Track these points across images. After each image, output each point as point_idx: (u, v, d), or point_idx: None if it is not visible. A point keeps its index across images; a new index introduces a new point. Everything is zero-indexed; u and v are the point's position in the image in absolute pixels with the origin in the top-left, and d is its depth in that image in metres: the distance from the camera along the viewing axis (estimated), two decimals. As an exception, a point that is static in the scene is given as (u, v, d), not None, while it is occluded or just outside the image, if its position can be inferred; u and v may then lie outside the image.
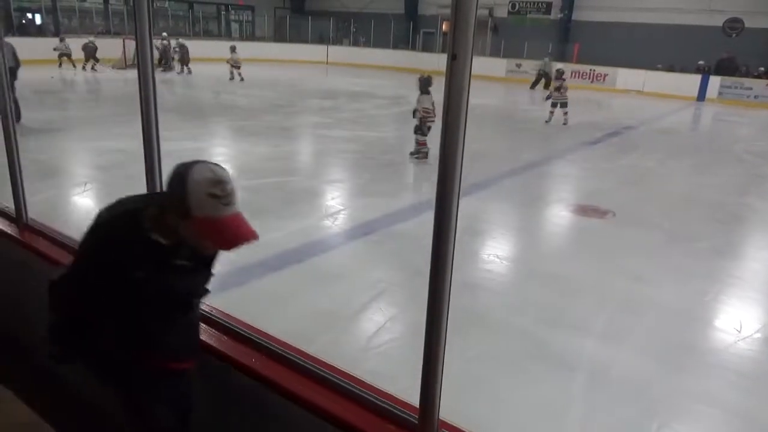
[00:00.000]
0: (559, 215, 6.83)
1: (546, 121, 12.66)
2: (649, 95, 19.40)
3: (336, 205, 6.43)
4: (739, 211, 7.40)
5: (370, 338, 3.90)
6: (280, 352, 1.73)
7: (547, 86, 18.43)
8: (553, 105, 12.69)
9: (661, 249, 5.76)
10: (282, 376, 1.67)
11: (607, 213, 6.69)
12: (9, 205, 2.86)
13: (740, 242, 6.44)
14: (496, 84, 20.61)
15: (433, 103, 8.31)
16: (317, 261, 5.09)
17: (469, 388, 3.25)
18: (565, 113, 12.59)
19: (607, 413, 3.23)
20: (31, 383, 2.64)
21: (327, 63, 25.66)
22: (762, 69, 19.21)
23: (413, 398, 1.45)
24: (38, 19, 23.36)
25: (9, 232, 2.78)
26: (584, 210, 6.82)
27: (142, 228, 1.50)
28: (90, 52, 18.44)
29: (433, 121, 8.26)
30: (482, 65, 20.70)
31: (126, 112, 10.82)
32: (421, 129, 8.40)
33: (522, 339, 3.92)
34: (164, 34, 20.84)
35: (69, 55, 18.12)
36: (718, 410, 3.39)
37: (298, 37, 27.35)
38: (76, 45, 18.17)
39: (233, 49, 18.35)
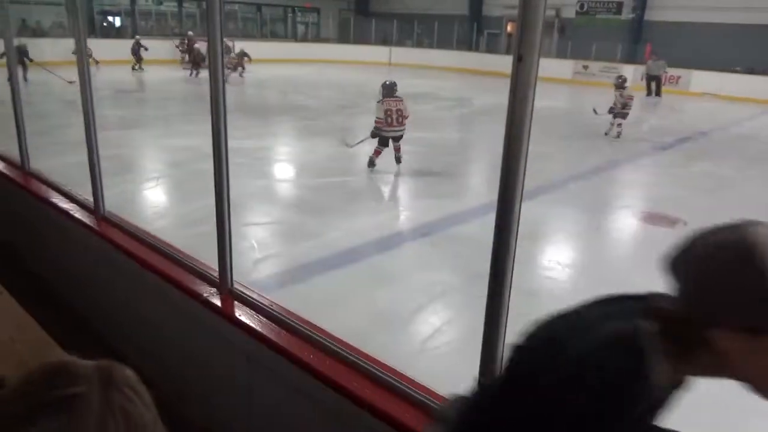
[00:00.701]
0: (626, 222, 6.59)
1: (606, 133, 11.37)
2: (725, 99, 18.40)
3: (396, 205, 6.45)
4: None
5: (426, 340, 3.89)
6: (336, 348, 1.75)
7: (658, 91, 17.73)
8: (615, 115, 11.38)
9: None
10: (337, 372, 1.69)
11: (678, 221, 6.39)
12: (88, 197, 3.03)
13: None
14: (562, 86, 20.11)
15: (389, 111, 7.71)
16: (376, 261, 5.12)
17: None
18: (620, 125, 11.28)
19: None
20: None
21: (390, 64, 25.77)
22: None
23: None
24: (117, 22, 24.64)
25: (88, 222, 2.94)
26: (653, 218, 6.54)
27: (644, 364, 0.83)
28: (136, 51, 18.55)
29: (393, 130, 7.71)
30: (548, 67, 20.21)
31: (194, 111, 11.28)
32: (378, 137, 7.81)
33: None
34: (189, 33, 20.02)
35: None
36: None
37: (362, 39, 27.61)
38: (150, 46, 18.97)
39: (229, 50, 17.44)
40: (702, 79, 19.45)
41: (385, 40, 27.58)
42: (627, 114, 11.26)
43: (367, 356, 1.72)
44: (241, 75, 18.50)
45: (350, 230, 5.71)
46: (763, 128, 15.34)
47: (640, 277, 4.82)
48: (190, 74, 17.84)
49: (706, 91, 19.15)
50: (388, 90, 8.01)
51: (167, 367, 2.52)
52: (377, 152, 7.81)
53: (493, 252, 1.29)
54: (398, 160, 7.85)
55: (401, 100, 7.89)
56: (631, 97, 11.29)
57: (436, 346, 3.85)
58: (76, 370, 0.56)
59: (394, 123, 7.68)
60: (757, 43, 19.00)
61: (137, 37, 19.35)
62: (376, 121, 7.78)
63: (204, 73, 12.65)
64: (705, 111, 16.61)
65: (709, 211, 6.82)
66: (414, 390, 1.57)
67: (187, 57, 18.98)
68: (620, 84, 11.48)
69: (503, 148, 1.21)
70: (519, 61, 1.15)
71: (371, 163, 7.85)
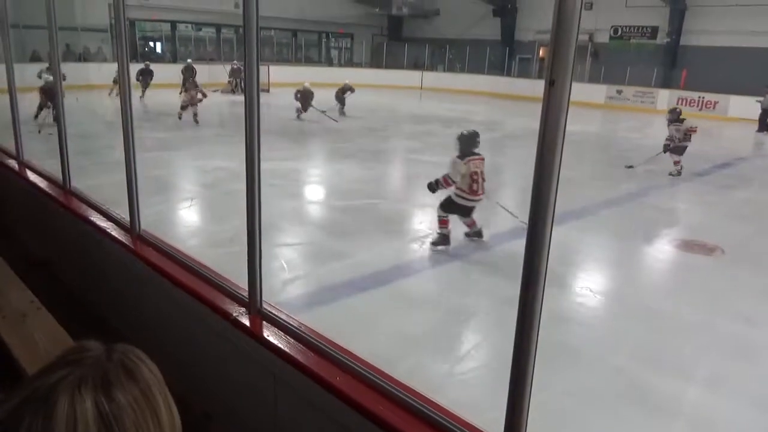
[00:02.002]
0: (661, 249, 6.43)
1: (671, 174, 9.94)
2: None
3: (425, 228, 6.43)
4: None
5: (454, 365, 3.85)
6: (363, 372, 1.75)
7: None
8: (672, 151, 10.06)
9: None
10: (364, 396, 1.68)
11: (716, 250, 6.21)
12: (125, 216, 3.11)
13: None
14: (594, 111, 19.93)
15: (476, 175, 5.67)
16: (404, 284, 5.10)
17: (556, 423, 3.10)
18: (677, 162, 9.99)
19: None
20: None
21: (421, 88, 25.97)
22: None
23: (498, 430, 1.41)
24: (158, 47, 25.50)
25: (123, 241, 3.02)
26: (689, 245, 6.37)
27: None
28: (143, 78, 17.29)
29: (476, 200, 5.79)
30: (581, 91, 20.07)
31: (228, 133, 11.52)
32: None
33: (615, 378, 3.71)
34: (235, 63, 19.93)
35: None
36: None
37: (394, 63, 27.94)
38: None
39: (188, 75, 15.42)
40: (740, 105, 19.03)
41: (416, 65, 27.85)
42: (685, 148, 10.00)
43: (393, 380, 1.71)
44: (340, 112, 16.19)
45: (379, 253, 5.71)
46: (805, 155, 14.90)
47: (673, 305, 4.70)
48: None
49: (745, 116, 18.71)
50: (469, 142, 5.74)
51: (196, 384, 2.55)
52: (445, 222, 5.79)
53: (523, 277, 1.27)
54: (479, 234, 5.99)
55: (483, 159, 5.76)
56: (693, 129, 10.10)
57: (465, 371, 3.79)
58: (87, 344, 0.69)
59: (480, 190, 5.73)
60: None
61: (189, 61, 18.83)
62: (455, 188, 5.68)
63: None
64: (743, 137, 16.23)
65: (748, 238, 6.63)
66: (441, 416, 1.55)
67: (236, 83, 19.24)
68: (675, 117, 10.26)
69: (534, 172, 1.21)
70: (551, 85, 1.15)
71: (444, 241, 5.75)
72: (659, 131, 17.67)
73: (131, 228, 3.03)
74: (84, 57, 20.64)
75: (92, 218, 3.38)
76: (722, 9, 20.54)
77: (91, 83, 15.34)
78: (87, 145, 8.88)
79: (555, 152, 1.18)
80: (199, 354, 2.56)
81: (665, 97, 20.78)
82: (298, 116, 14.66)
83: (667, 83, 21.23)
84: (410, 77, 26.39)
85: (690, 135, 10.02)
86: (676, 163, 9.96)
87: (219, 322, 2.19)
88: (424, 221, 6.60)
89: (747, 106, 18.78)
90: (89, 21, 20.02)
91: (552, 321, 4.19)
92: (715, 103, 19.66)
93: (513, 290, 1.31)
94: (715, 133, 16.66)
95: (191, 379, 2.57)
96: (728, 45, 20.39)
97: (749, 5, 19.68)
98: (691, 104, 20.09)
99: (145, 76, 17.42)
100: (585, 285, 5.31)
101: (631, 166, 10.23)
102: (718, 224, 7.22)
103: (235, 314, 2.15)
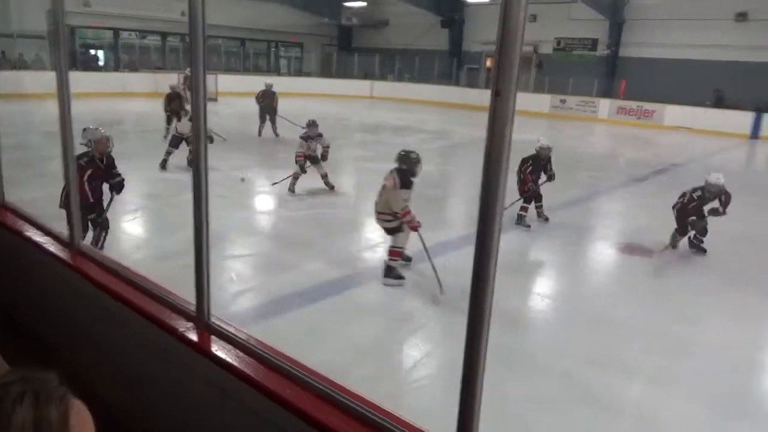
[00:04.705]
0: (604, 253, 6.66)
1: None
2: (698, 132, 18.91)
3: (376, 237, 6.44)
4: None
5: (407, 374, 3.85)
6: (315, 384, 1.72)
7: None
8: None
9: (711, 290, 5.52)
10: (317, 408, 1.65)
11: (653, 251, 6.48)
12: (64, 230, 2.98)
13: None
14: (540, 119, 20.51)
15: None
16: (355, 293, 5.09)
17: (508, 429, 3.15)
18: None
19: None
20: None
21: (372, 97, 26.10)
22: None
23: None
24: (101, 55, 24.66)
25: (62, 256, 2.89)
26: (631, 248, 6.63)
27: None
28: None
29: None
30: (526, 101, 20.64)
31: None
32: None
33: (565, 381, 3.80)
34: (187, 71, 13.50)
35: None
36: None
37: (344, 73, 27.99)
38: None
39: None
40: (675, 114, 19.98)
41: (366, 74, 27.98)
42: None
43: (346, 391, 1.69)
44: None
45: (329, 262, 5.68)
46: (733, 161, 15.76)
47: (617, 306, 4.87)
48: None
49: (680, 124, 19.65)
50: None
51: (141, 403, 2.46)
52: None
53: (472, 283, 1.29)
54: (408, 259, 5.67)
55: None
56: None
57: (417, 379, 3.81)
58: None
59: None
60: (727, 79, 19.63)
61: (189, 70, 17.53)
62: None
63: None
64: (679, 144, 17.02)
65: (683, 241, 6.93)
66: (394, 425, 1.54)
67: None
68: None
69: (482, 180, 1.22)
70: (497, 95, 1.17)
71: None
72: (600, 139, 18.34)
73: (70, 243, 2.90)
74: (19, 65, 19.78)
75: (28, 233, 3.23)
76: (658, 22, 21.56)
77: (26, 92, 14.68)
78: (22, 157, 8.49)
79: (501, 160, 1.20)
80: (144, 372, 2.47)
81: (606, 106, 21.63)
82: (260, 133, 13.76)
83: (607, 93, 22.08)
84: (360, 87, 26.50)
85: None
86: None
87: (165, 338, 2.12)
88: (375, 229, 6.60)
89: (682, 115, 19.73)
90: (26, 27, 19.21)
91: (501, 326, 4.26)
92: (653, 111, 20.57)
93: (463, 296, 1.32)
94: (652, 141, 17.41)
95: (135, 398, 2.48)
96: (664, 57, 21.42)
97: (683, 19, 20.73)
98: (630, 113, 20.96)
99: None
100: (534, 289, 5.44)
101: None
102: (657, 227, 7.52)
103: (181, 329, 2.09)
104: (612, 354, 4.20)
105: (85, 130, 4.78)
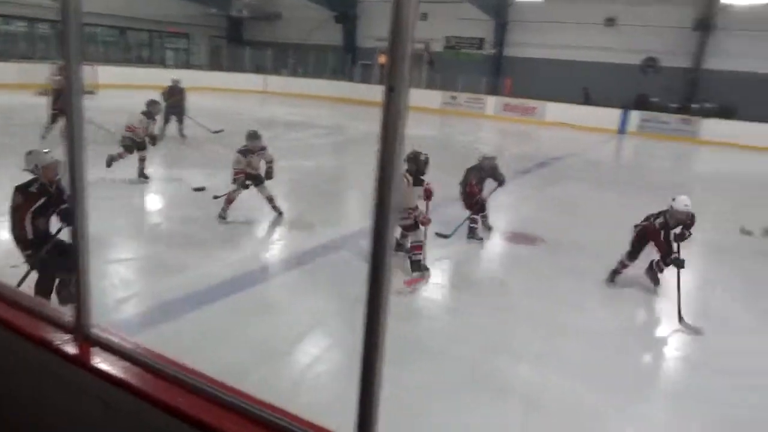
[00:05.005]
0: (494, 242, 6.99)
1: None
2: (575, 128, 20.39)
3: (272, 235, 6.34)
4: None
5: (306, 370, 3.83)
6: (209, 390, 1.66)
7: None
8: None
9: (589, 274, 5.98)
10: (212, 415, 1.59)
11: (537, 240, 6.90)
12: None
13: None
14: (432, 115, 21.12)
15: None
16: (253, 293, 4.97)
17: (407, 419, 3.22)
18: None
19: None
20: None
21: (265, 92, 25.54)
22: (675, 105, 20.61)
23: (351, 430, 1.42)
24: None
25: None
26: (516, 237, 7.02)
27: None
28: None
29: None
30: (418, 97, 21.16)
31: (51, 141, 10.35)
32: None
33: (460, 367, 3.95)
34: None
35: None
36: (648, 430, 3.51)
37: (235, 66, 27.12)
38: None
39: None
40: (555, 111, 21.40)
41: (258, 68, 27.30)
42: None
43: (242, 394, 1.64)
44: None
45: (225, 262, 5.50)
46: (608, 154, 17.20)
47: (506, 292, 5.14)
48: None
49: (559, 121, 21.07)
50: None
51: (18, 426, 2.24)
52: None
53: (369, 276, 1.29)
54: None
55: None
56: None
57: (317, 375, 3.79)
58: None
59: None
60: (600, 78, 21.37)
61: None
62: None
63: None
64: (558, 139, 18.24)
65: (564, 228, 7.46)
66: (293, 424, 1.52)
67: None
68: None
69: (376, 175, 1.23)
70: (390, 91, 1.18)
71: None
72: (488, 134, 19.20)
73: None
74: None
75: None
76: (537, 24, 22.98)
77: None
78: None
79: (394, 155, 1.21)
80: (16, 393, 2.25)
81: (493, 103, 22.71)
82: (163, 134, 11.77)
83: (494, 90, 23.19)
84: (253, 81, 25.82)
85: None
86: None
87: (40, 353, 1.94)
88: (271, 227, 6.50)
89: (560, 112, 21.17)
90: None
91: (399, 317, 4.36)
92: (534, 108, 21.88)
93: (361, 290, 1.32)
94: (535, 136, 18.54)
95: (9, 421, 2.26)
96: (543, 57, 22.89)
97: (558, 22, 22.26)
98: (515, 110, 22.17)
99: None
100: (428, 280, 5.60)
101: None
102: (539, 217, 8.04)
103: (57, 342, 1.92)
104: (502, 338, 4.43)
105: (29, 153, 4.05)
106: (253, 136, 6.92)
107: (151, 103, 8.55)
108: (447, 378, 3.79)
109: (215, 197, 7.05)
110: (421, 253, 5.57)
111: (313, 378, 3.75)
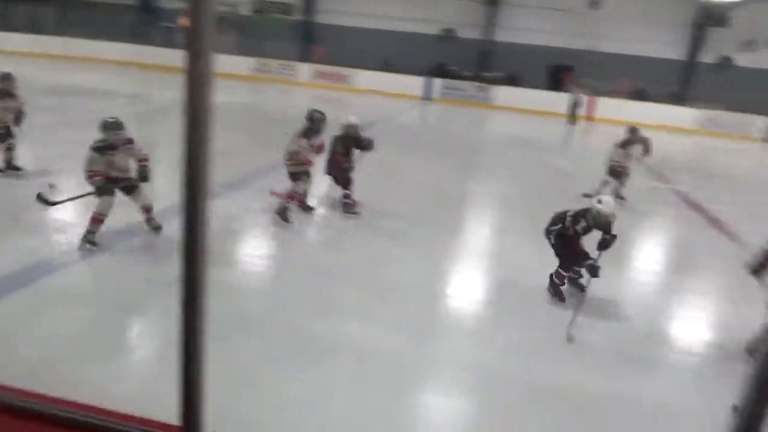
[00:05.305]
0: (313, 211, 7.06)
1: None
2: (384, 95, 21.21)
3: (70, 217, 5.67)
4: (461, 195, 8.61)
5: (120, 360, 3.56)
6: (6, 401, 1.46)
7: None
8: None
9: (402, 232, 6.37)
10: (9, 425, 1.41)
11: (359, 204, 7.13)
12: None
13: (463, 220, 7.51)
14: (242, 82, 20.40)
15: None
16: (49, 282, 4.43)
17: (236, 394, 3.17)
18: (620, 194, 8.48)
19: (374, 390, 3.46)
20: None
21: (46, 55, 22.32)
22: (470, 74, 22.54)
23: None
24: None
25: None
26: (334, 203, 7.17)
27: None
28: None
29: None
30: (227, 63, 20.25)
31: None
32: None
33: (286, 334, 3.98)
34: None
35: None
36: (458, 367, 3.90)
37: (5, 25, 23.20)
38: None
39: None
40: (365, 78, 22.01)
41: (34, 28, 23.63)
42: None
43: (45, 397, 1.47)
44: None
45: (15, 250, 4.82)
46: (416, 119, 18.25)
47: (329, 255, 5.28)
48: None
49: (369, 88, 21.73)
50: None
51: None
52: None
53: (183, 255, 1.23)
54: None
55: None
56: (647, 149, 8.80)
57: (133, 363, 3.55)
58: None
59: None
60: (403, 47, 22.47)
61: None
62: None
63: None
64: (370, 105, 18.83)
65: (378, 191, 7.80)
66: (111, 420, 1.41)
67: None
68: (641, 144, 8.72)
69: (183, 146, 1.16)
70: (193, 56, 1.11)
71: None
72: (301, 101, 19.15)
73: None
74: None
75: None
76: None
77: None
78: None
79: (202, 125, 1.15)
80: None
81: (305, 70, 22.62)
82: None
83: (306, 57, 23.05)
84: (29, 42, 22.37)
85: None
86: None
87: None
88: (68, 207, 5.80)
89: (369, 78, 21.84)
90: None
91: (219, 292, 4.23)
92: (347, 76, 22.26)
93: (174, 271, 1.25)
94: (347, 102, 18.92)
95: None
96: (354, 25, 23.33)
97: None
98: (328, 77, 22.34)
99: None
100: (248, 252, 5.50)
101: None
102: (359, 181, 8.28)
103: None
104: (326, 301, 4.55)
105: None
106: (111, 125, 5.10)
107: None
108: (274, 347, 3.80)
109: (52, 203, 5.30)
110: (288, 204, 6.29)
111: (130, 367, 3.50)
